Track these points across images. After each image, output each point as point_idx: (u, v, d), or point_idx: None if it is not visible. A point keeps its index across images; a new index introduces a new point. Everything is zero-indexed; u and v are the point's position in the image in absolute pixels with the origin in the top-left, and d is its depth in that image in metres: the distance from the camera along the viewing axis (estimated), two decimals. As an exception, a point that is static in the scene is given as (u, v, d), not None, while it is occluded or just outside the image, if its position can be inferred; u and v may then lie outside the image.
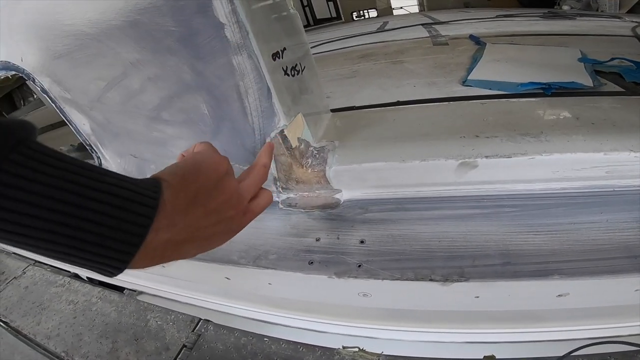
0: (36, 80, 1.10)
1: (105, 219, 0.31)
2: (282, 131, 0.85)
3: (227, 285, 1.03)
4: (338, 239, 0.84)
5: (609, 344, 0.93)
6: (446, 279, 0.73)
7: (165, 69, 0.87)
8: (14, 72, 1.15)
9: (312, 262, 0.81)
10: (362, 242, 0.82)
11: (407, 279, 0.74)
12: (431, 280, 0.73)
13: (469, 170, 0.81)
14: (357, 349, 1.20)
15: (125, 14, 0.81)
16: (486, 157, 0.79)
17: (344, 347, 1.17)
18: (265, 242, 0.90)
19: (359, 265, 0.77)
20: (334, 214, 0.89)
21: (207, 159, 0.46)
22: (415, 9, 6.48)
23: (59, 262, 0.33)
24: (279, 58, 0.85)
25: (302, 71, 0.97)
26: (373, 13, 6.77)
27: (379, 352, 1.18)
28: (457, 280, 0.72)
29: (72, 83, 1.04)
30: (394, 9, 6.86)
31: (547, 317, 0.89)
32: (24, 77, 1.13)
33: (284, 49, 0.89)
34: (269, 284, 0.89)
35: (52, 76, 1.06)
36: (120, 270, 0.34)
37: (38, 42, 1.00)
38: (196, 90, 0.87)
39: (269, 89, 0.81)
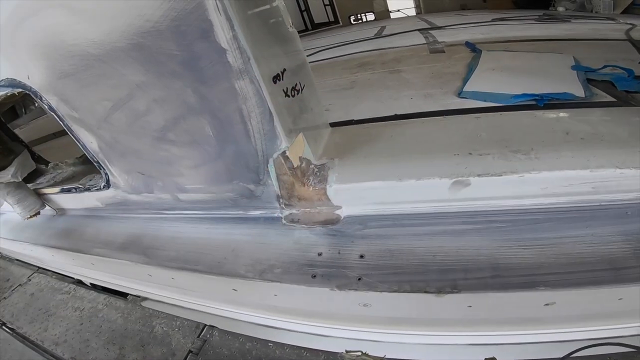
0: (43, 99, 1.13)
1: None
2: (284, 152, 0.89)
3: (234, 296, 1.07)
4: (339, 253, 0.88)
5: (607, 346, 0.97)
6: (440, 291, 0.77)
7: (169, 92, 0.90)
8: (20, 90, 1.18)
9: (315, 276, 0.85)
10: (361, 256, 0.86)
11: (404, 291, 0.79)
12: (426, 292, 0.77)
13: (462, 188, 0.85)
14: (360, 353, 1.24)
15: (129, 36, 0.84)
16: (478, 175, 0.83)
17: (347, 351, 1.22)
18: (270, 257, 0.94)
19: (359, 279, 0.82)
20: (335, 229, 0.94)
21: None
22: (412, 12, 6.48)
23: None
24: (279, 80, 0.89)
25: (302, 90, 1.01)
26: (370, 16, 6.76)
27: (382, 355, 1.23)
28: (450, 292, 0.76)
29: (79, 102, 1.07)
30: (391, 12, 6.85)
31: (546, 320, 0.93)
32: (30, 95, 1.16)
33: (284, 70, 0.93)
34: (275, 295, 0.93)
35: (59, 95, 1.09)
36: None
37: (44, 61, 1.03)
38: (200, 112, 0.90)
39: (270, 113, 0.84)
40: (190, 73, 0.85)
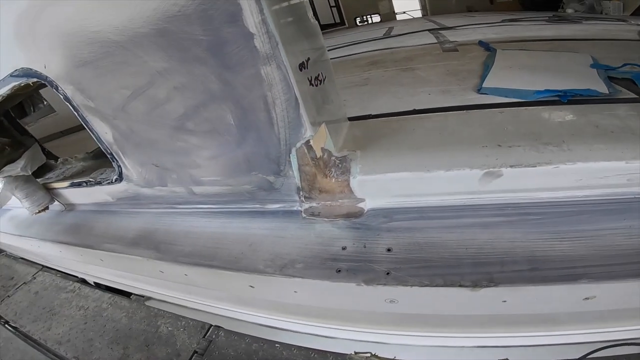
0: (59, 88, 1.11)
1: None
2: (307, 141, 0.87)
3: (244, 293, 1.04)
4: (365, 247, 0.85)
5: (625, 346, 0.94)
6: (475, 284, 0.74)
7: (192, 78, 0.88)
8: (35, 79, 1.16)
9: (339, 270, 0.82)
10: (389, 250, 0.83)
11: (436, 285, 0.75)
12: (460, 286, 0.74)
13: (493, 180, 0.82)
14: (369, 355, 1.21)
15: (154, 21, 0.82)
16: (511, 166, 0.80)
17: (356, 353, 1.19)
18: (290, 251, 0.91)
19: (388, 273, 0.78)
20: (359, 222, 0.91)
21: None
22: (418, 14, 6.55)
23: None
24: (304, 68, 0.87)
25: (323, 81, 0.99)
26: (376, 18, 6.83)
27: (392, 357, 1.19)
28: (487, 286, 0.73)
29: (96, 91, 1.05)
30: (397, 13, 6.94)
31: (566, 320, 0.90)
32: (46, 84, 1.14)
33: (308, 59, 0.91)
34: (295, 291, 0.90)
35: (75, 84, 1.07)
36: None
37: (63, 49, 1.01)
38: (223, 100, 0.88)
39: (296, 100, 0.82)
40: (215, 59, 0.83)
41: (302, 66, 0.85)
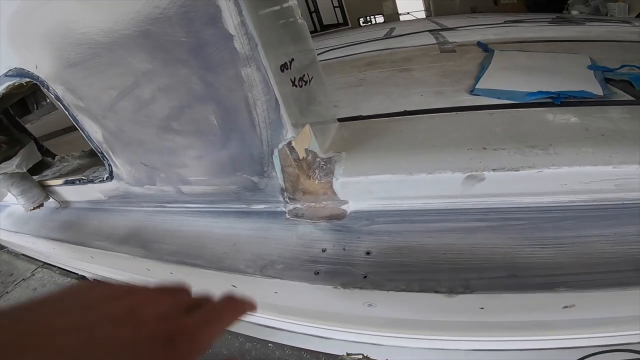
0: (50, 88, 1.13)
1: None
2: (289, 143, 0.86)
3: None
4: (344, 250, 0.84)
5: (616, 352, 0.93)
6: (451, 290, 0.72)
7: (175, 80, 0.89)
8: (28, 79, 1.19)
9: (318, 273, 0.82)
10: (368, 253, 0.82)
11: (412, 290, 0.74)
12: (436, 292, 0.73)
13: (475, 183, 0.81)
14: (361, 356, 1.21)
15: (137, 23, 0.83)
16: (493, 170, 0.79)
17: (348, 354, 1.19)
18: (271, 252, 0.91)
19: (365, 277, 0.78)
20: (340, 225, 0.90)
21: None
22: (422, 15, 6.50)
23: None
24: (287, 69, 0.87)
25: (309, 82, 0.98)
26: (380, 19, 6.79)
27: (384, 359, 1.19)
28: (462, 292, 0.72)
29: (85, 91, 1.06)
30: (400, 14, 6.88)
31: (555, 325, 0.88)
32: (38, 84, 1.16)
33: (292, 60, 0.90)
34: (275, 292, 0.90)
35: (66, 84, 1.09)
36: None
37: (52, 50, 1.02)
38: (206, 101, 0.88)
39: (277, 101, 0.82)
40: (196, 60, 0.83)
41: (284, 67, 0.85)
